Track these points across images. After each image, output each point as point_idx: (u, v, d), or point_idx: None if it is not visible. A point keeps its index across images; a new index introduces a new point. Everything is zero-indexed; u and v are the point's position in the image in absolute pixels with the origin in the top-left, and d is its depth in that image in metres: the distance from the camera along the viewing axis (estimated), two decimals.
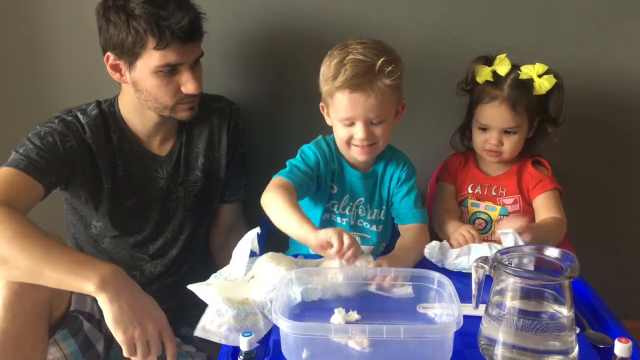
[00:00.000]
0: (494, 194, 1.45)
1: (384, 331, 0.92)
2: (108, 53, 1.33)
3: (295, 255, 1.27)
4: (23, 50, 1.63)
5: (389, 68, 1.23)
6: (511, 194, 1.44)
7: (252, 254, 1.17)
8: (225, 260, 1.57)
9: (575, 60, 1.56)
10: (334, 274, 1.09)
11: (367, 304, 1.07)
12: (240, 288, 1.11)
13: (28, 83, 1.65)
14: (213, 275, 1.15)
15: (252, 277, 1.13)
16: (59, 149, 1.30)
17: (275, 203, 1.23)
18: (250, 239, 1.16)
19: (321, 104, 1.35)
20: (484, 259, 0.98)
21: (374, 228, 1.39)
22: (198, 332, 1.04)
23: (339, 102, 1.26)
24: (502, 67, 1.38)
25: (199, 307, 1.07)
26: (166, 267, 1.51)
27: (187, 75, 1.32)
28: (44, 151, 1.28)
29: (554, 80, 1.36)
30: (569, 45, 1.57)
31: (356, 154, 1.32)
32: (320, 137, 1.39)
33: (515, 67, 1.38)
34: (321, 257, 1.20)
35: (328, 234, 1.10)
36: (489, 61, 1.41)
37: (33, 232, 1.13)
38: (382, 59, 1.23)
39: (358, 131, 1.27)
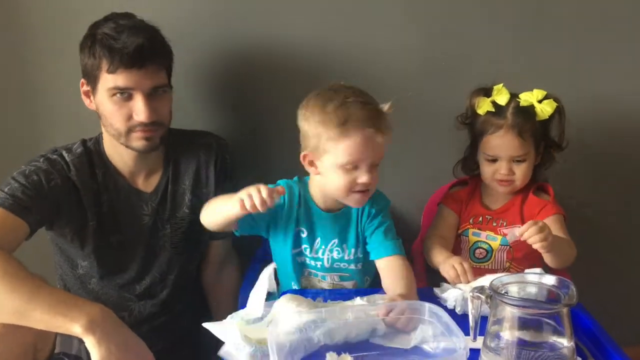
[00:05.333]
0: (494, 224, 1.43)
1: None
2: (82, 80, 1.37)
3: (306, 295, 1.21)
4: (15, 92, 1.63)
5: (389, 112, 1.24)
6: (511, 225, 1.41)
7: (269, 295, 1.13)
8: (218, 298, 1.58)
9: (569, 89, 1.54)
10: (348, 313, 1.05)
11: (371, 344, 1.04)
12: (258, 330, 1.07)
13: (19, 124, 1.65)
14: (230, 316, 1.12)
15: (271, 322, 1.08)
16: (44, 187, 1.29)
17: (206, 206, 1.29)
18: (266, 277, 1.12)
19: (304, 153, 1.28)
20: (480, 289, 0.95)
21: (352, 267, 1.34)
22: (222, 353, 1.03)
23: (346, 146, 1.21)
24: (502, 96, 1.37)
25: (193, 347, 1.04)
26: (157, 307, 1.47)
27: (140, 103, 1.30)
28: (29, 189, 1.26)
29: (554, 104, 1.36)
30: (556, 74, 1.57)
31: (354, 200, 1.27)
32: (296, 178, 1.36)
33: (514, 96, 1.38)
34: (342, 299, 1.16)
35: (239, 194, 1.16)
36: (487, 92, 1.41)
37: (20, 273, 1.11)
38: (382, 104, 1.24)
39: (362, 175, 1.23)
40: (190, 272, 1.53)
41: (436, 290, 1.23)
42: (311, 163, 1.29)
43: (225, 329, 1.05)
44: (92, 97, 1.36)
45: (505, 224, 1.42)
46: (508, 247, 1.40)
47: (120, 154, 1.40)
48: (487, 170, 1.41)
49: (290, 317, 1.04)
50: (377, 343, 1.05)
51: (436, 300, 1.19)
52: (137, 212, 1.43)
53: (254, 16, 1.57)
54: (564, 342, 0.88)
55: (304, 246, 1.34)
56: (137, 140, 1.34)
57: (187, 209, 1.45)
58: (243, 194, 1.16)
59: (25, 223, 1.23)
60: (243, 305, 1.17)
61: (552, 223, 1.37)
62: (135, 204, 1.42)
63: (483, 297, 0.94)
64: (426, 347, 1.03)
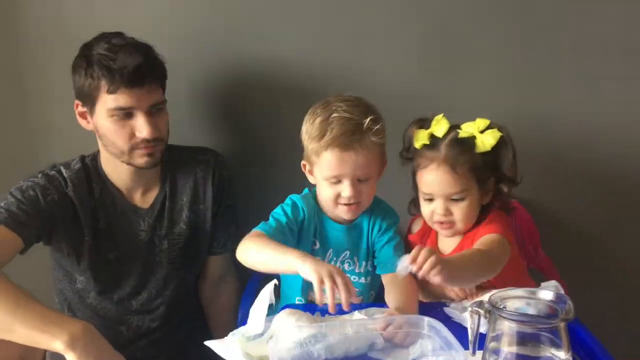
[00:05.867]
0: None
1: None
2: (76, 101, 1.37)
3: (305, 309, 1.21)
4: (16, 105, 1.64)
5: (377, 126, 1.24)
6: None
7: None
8: (216, 313, 1.58)
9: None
10: (347, 327, 1.05)
11: (359, 358, 1.04)
12: (259, 347, 1.07)
13: (17, 138, 1.66)
14: (231, 333, 1.12)
15: (271, 337, 1.09)
16: (40, 202, 1.30)
17: (253, 246, 1.21)
18: (268, 292, 1.13)
19: (303, 162, 1.33)
20: (479, 304, 0.96)
21: (362, 280, 1.36)
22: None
23: (326, 161, 1.25)
24: (439, 127, 1.24)
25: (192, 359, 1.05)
26: (155, 322, 1.48)
27: (142, 120, 1.32)
28: (25, 204, 1.28)
29: (498, 134, 1.21)
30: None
31: (342, 212, 1.31)
32: (306, 190, 1.38)
33: (454, 127, 1.25)
34: (340, 313, 1.14)
35: (321, 271, 1.05)
36: (426, 124, 1.27)
37: (5, 286, 1.13)
38: (369, 118, 1.23)
39: (345, 189, 1.26)
40: (188, 288, 1.54)
41: (451, 310, 1.18)
42: (310, 172, 1.33)
43: (227, 347, 1.06)
44: (89, 118, 1.36)
45: None
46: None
47: (117, 171, 1.41)
48: (425, 210, 1.29)
49: (290, 332, 1.04)
50: (375, 357, 1.05)
51: (441, 316, 1.17)
52: (133, 228, 1.43)
53: (250, 30, 1.58)
54: (561, 356, 0.89)
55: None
56: (140, 158, 1.36)
57: (184, 225, 1.46)
58: (323, 271, 1.05)
59: (19, 237, 1.24)
60: (242, 321, 1.18)
61: (481, 241, 1.22)
62: (132, 220, 1.43)
63: (482, 311, 0.95)
64: None
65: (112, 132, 1.33)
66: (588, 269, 1.66)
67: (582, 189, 1.65)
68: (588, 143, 1.60)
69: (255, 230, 1.28)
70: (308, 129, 1.28)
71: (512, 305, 0.94)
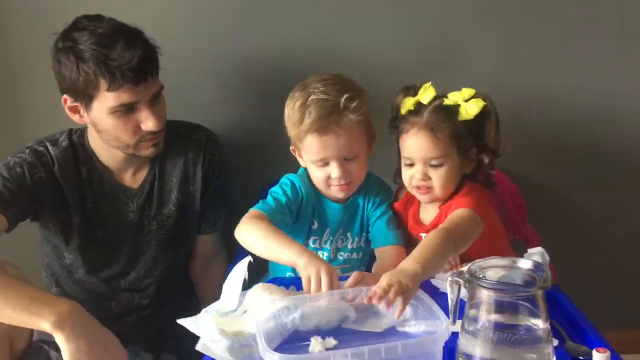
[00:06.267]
0: None
1: (365, 353, 0.89)
2: (65, 96, 1.31)
3: (279, 283, 1.23)
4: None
5: (354, 104, 1.22)
6: None
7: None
8: (206, 291, 1.57)
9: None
10: (321, 300, 1.06)
11: (344, 329, 1.04)
12: (233, 322, 1.08)
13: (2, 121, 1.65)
14: (204, 309, 1.13)
15: (245, 312, 1.10)
16: (27, 181, 1.29)
17: (254, 231, 1.21)
18: (242, 268, 1.13)
19: (291, 147, 1.33)
20: (459, 274, 0.96)
21: (354, 256, 1.37)
22: (199, 347, 1.02)
23: (309, 145, 1.25)
24: (426, 95, 1.25)
25: (181, 334, 1.05)
26: (145, 299, 1.48)
27: (146, 113, 1.28)
28: (11, 182, 1.27)
29: (482, 104, 1.22)
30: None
31: (336, 192, 1.31)
32: (302, 169, 1.37)
33: (441, 96, 1.26)
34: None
35: (305, 272, 1.08)
36: (414, 91, 1.28)
37: None
38: (345, 96, 1.21)
39: (333, 170, 1.26)
40: (178, 267, 1.53)
41: (438, 281, 1.17)
42: (300, 155, 1.32)
43: (200, 324, 1.05)
44: (84, 114, 1.31)
45: None
46: None
47: (108, 151, 1.38)
48: (405, 175, 1.29)
49: (265, 305, 1.05)
50: (349, 328, 1.05)
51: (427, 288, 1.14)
52: (122, 209, 1.42)
53: (251, 13, 1.57)
54: (539, 324, 0.89)
55: (312, 238, 1.35)
56: (147, 149, 1.34)
57: (173, 207, 1.44)
58: (312, 271, 1.07)
59: (2, 216, 1.23)
60: None
61: (450, 217, 1.22)
62: (120, 200, 1.41)
63: (461, 281, 0.96)
64: (408, 329, 1.03)
65: (116, 129, 1.29)
66: (569, 236, 1.68)
67: (567, 162, 1.68)
68: (566, 115, 1.65)
69: (254, 210, 1.27)
70: (289, 114, 1.27)
71: (495, 275, 0.94)
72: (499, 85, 1.52)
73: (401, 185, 1.37)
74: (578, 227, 1.71)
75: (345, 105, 1.22)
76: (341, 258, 1.37)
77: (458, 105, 1.24)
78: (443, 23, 1.59)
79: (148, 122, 1.29)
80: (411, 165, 1.27)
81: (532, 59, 1.61)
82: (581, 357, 0.99)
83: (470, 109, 1.22)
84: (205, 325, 1.05)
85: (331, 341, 1.00)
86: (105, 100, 1.26)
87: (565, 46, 1.60)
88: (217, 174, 1.49)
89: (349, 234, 1.36)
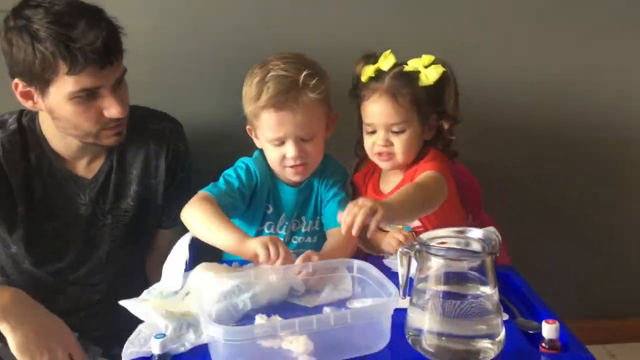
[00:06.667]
0: None
1: (314, 322, 0.86)
2: (16, 80, 1.21)
3: (230, 262, 1.21)
4: None
5: (313, 81, 1.21)
6: None
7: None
8: None
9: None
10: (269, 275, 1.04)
11: (291, 306, 1.02)
12: (177, 304, 1.03)
13: None
14: (146, 290, 1.08)
15: (188, 294, 1.06)
16: None
17: (196, 215, 1.17)
18: (183, 246, 1.09)
19: (248, 126, 1.30)
20: (410, 246, 0.94)
21: (308, 240, 1.34)
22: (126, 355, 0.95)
23: (265, 123, 1.22)
24: (386, 62, 1.26)
25: (133, 330, 0.99)
26: (96, 295, 1.40)
27: (110, 99, 1.20)
28: None
29: (441, 70, 1.25)
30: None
31: (290, 174, 1.29)
32: (257, 152, 1.34)
33: (401, 63, 1.27)
34: None
35: (255, 244, 1.05)
36: (374, 59, 1.29)
37: None
38: (304, 73, 1.20)
39: (289, 150, 1.24)
40: (134, 263, 1.46)
41: (390, 262, 1.17)
42: (255, 135, 1.30)
43: (139, 306, 1.01)
44: (37, 99, 1.22)
45: None
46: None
47: (63, 138, 1.29)
48: (367, 143, 1.30)
49: (213, 284, 1.01)
50: (296, 304, 1.03)
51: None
52: (73, 200, 1.33)
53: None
54: (487, 291, 0.88)
55: (268, 223, 1.32)
56: (109, 138, 1.26)
57: (132, 201, 1.37)
58: (259, 246, 1.06)
59: None
60: None
61: (419, 178, 1.23)
62: (72, 191, 1.33)
63: (412, 252, 0.94)
64: (357, 304, 1.01)
65: (76, 116, 1.20)
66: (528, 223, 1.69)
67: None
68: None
69: (203, 192, 1.24)
70: (246, 91, 1.25)
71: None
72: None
73: (362, 158, 1.36)
74: (535, 215, 1.72)
75: (304, 82, 1.20)
76: (295, 242, 1.34)
77: (418, 72, 1.25)
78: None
79: (112, 109, 1.21)
80: (373, 132, 1.28)
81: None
82: (531, 331, 0.97)
83: (430, 74, 1.24)
84: (144, 307, 1.00)
85: (276, 318, 0.97)
86: (65, 85, 1.16)
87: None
88: (181, 166, 1.42)
89: (303, 218, 1.34)
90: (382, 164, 1.31)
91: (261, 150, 1.33)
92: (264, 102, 1.20)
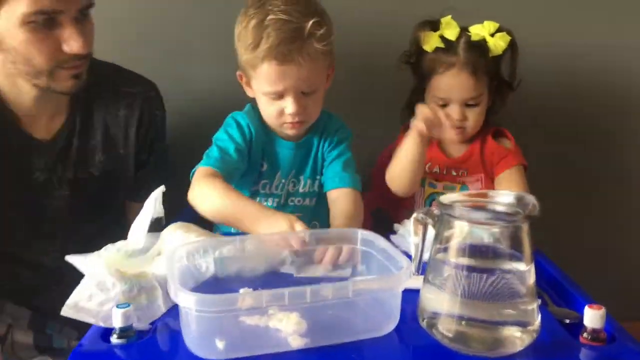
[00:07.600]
0: (454, 174, 1.29)
1: (307, 294, 0.71)
2: None
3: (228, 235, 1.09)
4: None
5: (322, 31, 1.07)
6: (473, 174, 1.28)
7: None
8: None
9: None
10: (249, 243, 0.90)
11: (278, 279, 0.89)
12: (140, 263, 0.90)
13: None
14: (103, 248, 0.93)
15: (159, 254, 0.92)
16: None
17: (208, 195, 1.05)
18: (152, 202, 0.94)
19: (239, 72, 1.16)
20: (427, 211, 0.79)
21: (307, 202, 1.22)
22: (66, 311, 0.82)
23: (264, 75, 1.08)
24: (451, 30, 1.22)
25: None
26: (46, 279, 1.19)
27: (70, 29, 1.04)
28: None
29: (508, 38, 1.22)
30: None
31: (287, 129, 1.16)
32: (249, 106, 1.21)
33: (463, 30, 1.24)
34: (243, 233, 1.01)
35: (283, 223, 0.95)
36: (434, 26, 1.25)
37: None
38: (312, 21, 1.05)
39: (289, 105, 1.10)
40: (98, 242, 1.29)
41: (398, 237, 1.05)
42: (247, 84, 1.15)
43: (86, 261, 0.88)
44: None
45: (466, 173, 1.28)
46: None
47: (16, 88, 1.12)
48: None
49: (177, 243, 0.88)
50: (286, 272, 0.91)
51: None
52: (25, 164, 1.15)
53: None
54: (520, 267, 0.72)
55: (262, 182, 1.19)
56: (66, 80, 1.08)
57: (96, 172, 1.19)
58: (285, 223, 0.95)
59: None
60: None
61: (511, 175, 1.25)
62: (24, 153, 1.14)
63: (430, 219, 0.78)
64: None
65: (29, 46, 1.03)
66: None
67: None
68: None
69: (203, 168, 1.10)
70: (241, 35, 1.10)
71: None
72: None
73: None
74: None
75: (311, 31, 1.06)
76: (292, 204, 1.22)
77: (484, 40, 1.22)
78: None
79: (72, 42, 1.05)
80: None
81: None
82: (568, 321, 0.82)
83: (499, 44, 1.22)
84: (96, 266, 0.86)
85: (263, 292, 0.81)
86: (19, 5, 1.00)
87: None
88: (158, 135, 1.26)
89: (301, 177, 1.21)
90: (456, 137, 1.27)
91: (254, 102, 1.19)
92: (265, 52, 1.05)
